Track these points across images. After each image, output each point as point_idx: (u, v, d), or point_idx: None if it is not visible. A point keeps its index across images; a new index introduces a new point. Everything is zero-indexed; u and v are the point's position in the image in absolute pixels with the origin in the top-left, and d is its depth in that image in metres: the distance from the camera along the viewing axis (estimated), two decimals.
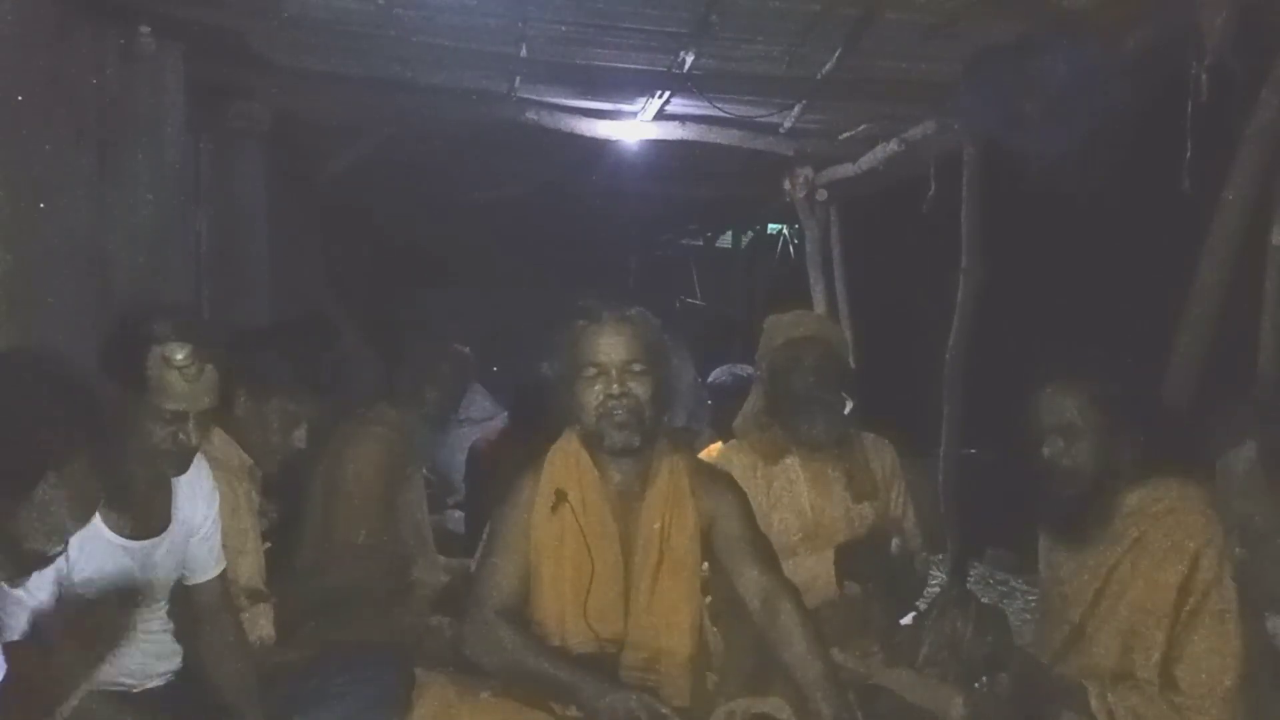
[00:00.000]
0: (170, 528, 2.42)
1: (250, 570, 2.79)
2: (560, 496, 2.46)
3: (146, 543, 2.36)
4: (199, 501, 2.49)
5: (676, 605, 2.46)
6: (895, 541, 2.89)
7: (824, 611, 2.74)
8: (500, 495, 2.57)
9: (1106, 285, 5.55)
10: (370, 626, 3.09)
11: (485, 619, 2.42)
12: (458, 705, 2.36)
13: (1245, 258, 3.13)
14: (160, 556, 2.40)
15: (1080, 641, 2.46)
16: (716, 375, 4.51)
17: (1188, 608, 2.31)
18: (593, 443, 2.48)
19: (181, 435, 2.30)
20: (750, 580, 2.45)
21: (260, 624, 2.74)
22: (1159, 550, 2.36)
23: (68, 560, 2.20)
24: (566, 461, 2.50)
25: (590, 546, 2.43)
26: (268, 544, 2.93)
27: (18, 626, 2.13)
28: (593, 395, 2.43)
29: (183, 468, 2.39)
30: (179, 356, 2.25)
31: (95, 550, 2.26)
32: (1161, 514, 2.38)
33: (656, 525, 2.47)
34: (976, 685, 2.40)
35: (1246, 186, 3.07)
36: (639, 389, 2.43)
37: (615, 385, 2.41)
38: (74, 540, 2.16)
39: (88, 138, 3.29)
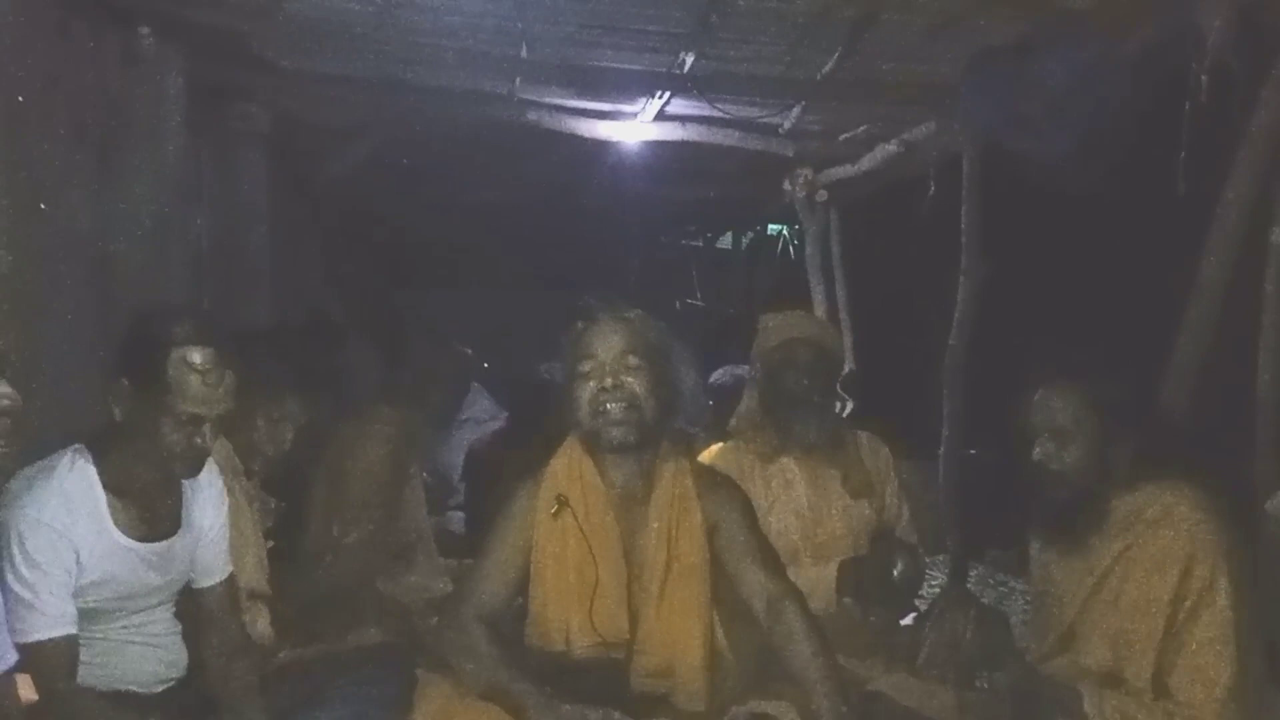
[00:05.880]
0: (180, 530, 2.41)
1: (251, 569, 2.79)
2: (562, 502, 2.43)
3: (157, 545, 2.35)
4: (209, 505, 2.48)
5: (688, 610, 2.43)
6: (900, 567, 2.88)
7: (822, 617, 2.74)
8: (498, 500, 2.55)
9: (1106, 285, 5.54)
10: (370, 627, 3.09)
11: (462, 621, 2.42)
12: (458, 706, 2.34)
13: (1245, 257, 3.13)
14: (170, 559, 2.40)
15: (1071, 645, 2.44)
16: (717, 376, 4.51)
17: (1181, 616, 2.27)
18: (593, 445, 2.44)
19: (197, 439, 2.28)
20: (756, 584, 2.42)
21: (258, 623, 2.74)
22: (1151, 558, 2.32)
23: (78, 562, 2.20)
24: (569, 466, 2.47)
25: (594, 551, 2.41)
26: (270, 542, 2.93)
27: (29, 630, 2.13)
28: (587, 391, 2.39)
29: (194, 471, 2.37)
30: (201, 360, 2.23)
31: (105, 552, 2.25)
32: (1153, 521, 2.34)
33: (662, 529, 2.43)
34: (977, 684, 2.39)
35: (1246, 186, 3.07)
36: (634, 383, 2.37)
37: (609, 379, 2.37)
38: (84, 543, 2.20)
39: (88, 138, 3.30)
